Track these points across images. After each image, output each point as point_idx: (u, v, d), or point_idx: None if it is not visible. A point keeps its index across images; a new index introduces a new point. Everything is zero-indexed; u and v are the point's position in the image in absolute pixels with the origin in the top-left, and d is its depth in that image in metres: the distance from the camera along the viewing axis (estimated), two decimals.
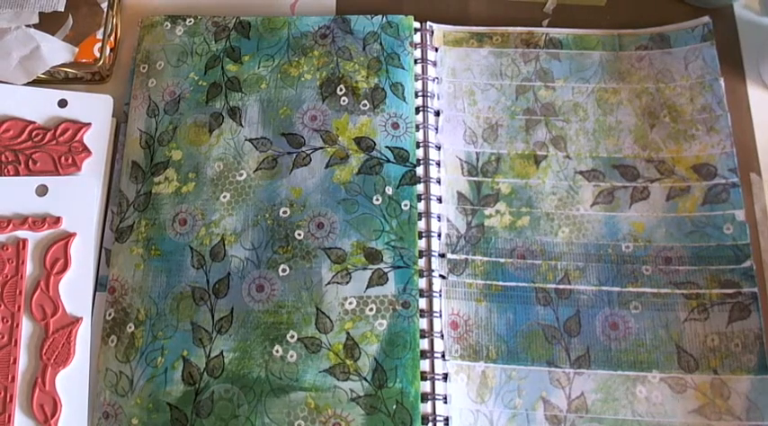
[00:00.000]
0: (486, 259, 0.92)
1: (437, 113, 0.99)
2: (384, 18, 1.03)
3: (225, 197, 0.94)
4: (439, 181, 0.96)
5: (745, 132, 0.99)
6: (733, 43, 1.04)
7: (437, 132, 0.99)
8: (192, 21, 1.04)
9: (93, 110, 1.00)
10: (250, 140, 0.97)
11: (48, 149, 0.97)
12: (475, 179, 0.96)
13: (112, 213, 0.96)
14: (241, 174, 0.95)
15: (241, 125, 0.97)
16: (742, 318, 0.89)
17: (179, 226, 0.93)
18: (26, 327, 0.89)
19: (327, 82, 0.99)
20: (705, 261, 0.91)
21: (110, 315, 0.91)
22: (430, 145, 0.97)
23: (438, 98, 1.01)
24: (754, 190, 0.95)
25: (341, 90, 0.99)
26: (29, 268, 0.92)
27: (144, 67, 1.02)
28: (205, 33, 1.03)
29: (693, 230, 0.92)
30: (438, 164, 0.97)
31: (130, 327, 0.90)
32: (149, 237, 0.93)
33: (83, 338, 0.90)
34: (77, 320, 0.90)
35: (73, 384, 0.88)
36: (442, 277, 0.91)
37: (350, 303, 0.89)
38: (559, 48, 1.03)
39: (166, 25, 1.04)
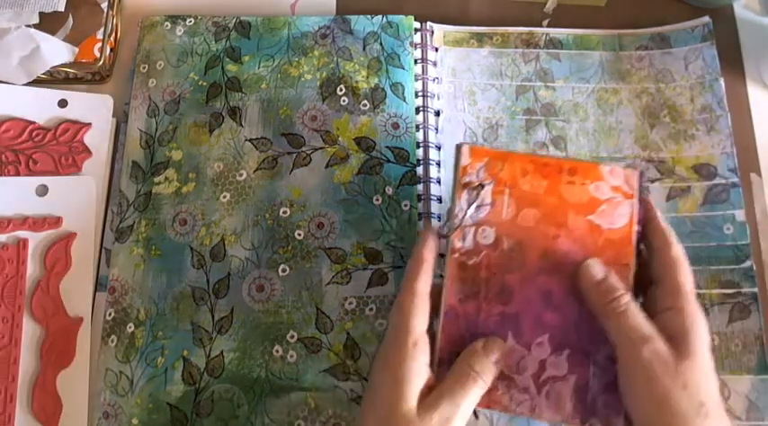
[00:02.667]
0: None
1: (437, 113, 0.99)
2: (384, 18, 1.03)
3: (225, 197, 0.94)
4: (439, 182, 0.96)
5: (745, 132, 0.99)
6: (733, 43, 1.04)
7: (437, 132, 0.98)
8: (193, 21, 1.04)
9: (93, 110, 1.00)
10: (250, 140, 0.97)
11: (48, 149, 0.97)
12: None
13: (112, 213, 0.96)
14: (241, 174, 0.95)
15: (241, 125, 0.98)
16: (742, 318, 0.89)
17: (179, 226, 0.93)
18: (26, 327, 0.89)
19: (327, 82, 0.99)
20: (705, 262, 0.91)
21: (110, 314, 0.91)
22: (430, 145, 0.97)
23: (438, 98, 1.00)
24: (754, 190, 0.95)
25: (341, 90, 0.99)
26: (29, 268, 0.92)
27: (144, 67, 1.02)
28: (205, 33, 1.03)
29: (693, 230, 0.92)
30: (438, 164, 0.97)
31: (130, 327, 0.90)
32: (149, 237, 0.93)
33: (83, 338, 0.90)
34: (77, 320, 0.90)
35: (73, 384, 0.88)
36: (442, 277, 0.90)
37: (350, 303, 0.90)
38: (559, 49, 1.03)
39: (166, 25, 1.04)
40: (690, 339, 0.70)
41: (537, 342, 0.76)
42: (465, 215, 0.78)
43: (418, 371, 0.73)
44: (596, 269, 0.75)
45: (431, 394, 0.72)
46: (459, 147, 0.80)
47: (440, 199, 0.95)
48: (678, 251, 0.75)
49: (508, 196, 0.79)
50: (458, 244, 0.78)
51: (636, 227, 0.78)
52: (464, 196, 0.79)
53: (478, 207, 0.78)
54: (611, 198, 0.78)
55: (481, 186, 0.78)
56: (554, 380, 0.76)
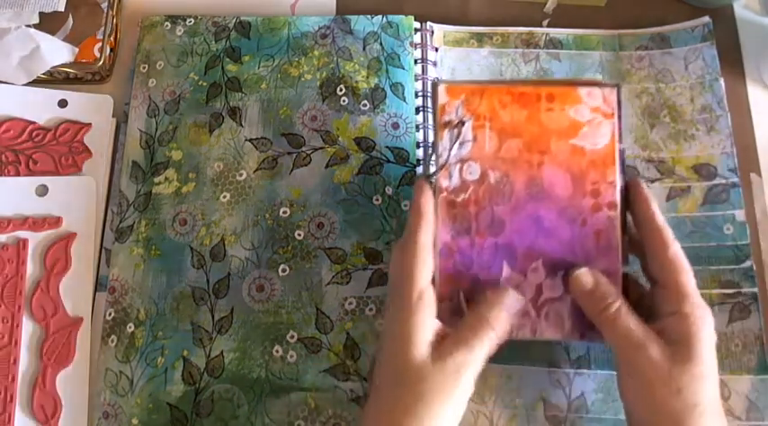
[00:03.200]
0: None
1: None
2: (384, 18, 1.03)
3: (225, 197, 0.94)
4: None
5: (745, 132, 0.98)
6: (733, 43, 1.04)
7: None
8: (193, 21, 1.04)
9: (93, 110, 1.00)
10: (250, 140, 0.97)
11: (48, 149, 0.97)
12: None
13: (112, 213, 0.96)
14: (241, 174, 0.95)
15: (241, 125, 0.98)
16: (742, 318, 0.89)
17: (179, 226, 0.93)
18: (26, 327, 0.90)
19: (327, 82, 0.99)
20: (705, 262, 0.90)
21: (110, 314, 0.91)
22: (430, 145, 0.97)
23: None
24: (754, 190, 0.95)
25: (341, 90, 0.99)
26: (29, 268, 0.92)
27: (144, 67, 1.02)
28: (205, 33, 1.03)
29: (693, 230, 0.92)
30: None
31: (130, 327, 0.90)
32: (149, 237, 0.93)
33: (83, 338, 0.90)
34: (77, 320, 0.90)
35: (73, 384, 0.88)
36: None
37: (350, 303, 0.90)
38: (559, 49, 1.03)
39: (166, 25, 1.04)
40: (692, 344, 0.71)
41: (532, 268, 0.79)
42: (449, 154, 0.79)
43: (426, 322, 0.74)
44: (586, 278, 0.76)
45: (444, 343, 0.73)
46: (434, 86, 0.81)
47: None
48: (676, 250, 0.75)
49: (489, 129, 0.80)
50: (445, 183, 0.79)
51: (618, 145, 0.79)
52: (446, 135, 0.79)
53: (461, 144, 0.79)
54: (591, 119, 0.79)
55: (461, 123, 0.79)
56: (551, 301, 0.78)
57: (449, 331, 0.75)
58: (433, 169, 0.79)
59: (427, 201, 0.77)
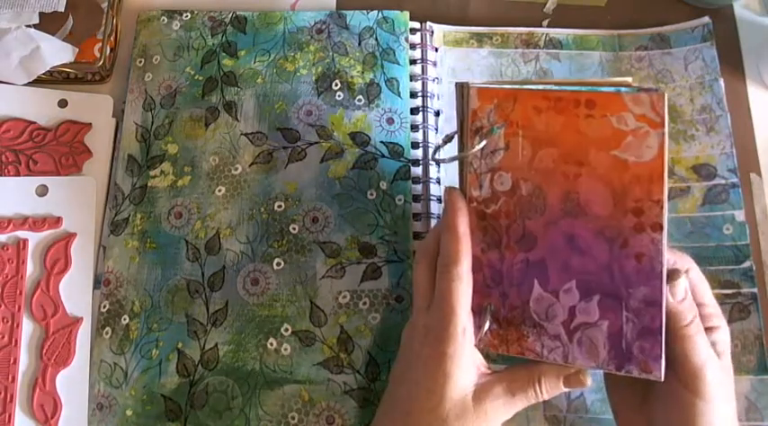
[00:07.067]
0: None
1: (437, 113, 1.00)
2: (380, 13, 1.04)
3: (220, 190, 0.95)
4: (438, 181, 0.96)
5: (746, 132, 0.98)
6: (733, 43, 1.04)
7: (437, 132, 0.99)
8: (189, 15, 1.05)
9: (93, 110, 1.01)
10: (246, 134, 0.97)
11: (48, 149, 0.98)
12: None
13: (109, 207, 0.97)
14: (236, 168, 0.96)
15: (237, 119, 0.98)
16: (741, 319, 0.89)
17: (174, 219, 0.94)
18: (26, 327, 0.90)
19: (323, 77, 1.00)
20: (705, 262, 0.90)
21: (104, 307, 0.91)
22: (430, 145, 0.97)
23: (438, 98, 1.01)
24: (754, 190, 0.95)
25: (336, 85, 0.99)
26: (29, 268, 0.92)
27: (140, 62, 1.03)
28: (201, 28, 1.04)
29: (693, 231, 0.92)
30: (437, 164, 0.97)
31: (125, 319, 0.90)
32: (145, 230, 0.94)
33: (83, 338, 0.90)
34: (77, 320, 0.90)
35: (73, 384, 0.88)
36: None
37: (344, 297, 0.90)
38: (559, 49, 1.03)
39: (163, 20, 1.05)
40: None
41: (564, 289, 0.74)
42: (480, 162, 0.76)
43: (471, 360, 0.74)
44: (682, 287, 0.71)
45: (488, 386, 0.74)
46: (464, 89, 0.77)
47: (440, 199, 0.95)
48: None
49: (522, 138, 0.74)
50: (474, 193, 0.76)
51: (666, 159, 0.70)
52: (476, 142, 0.76)
53: (492, 152, 0.75)
54: (636, 128, 0.71)
55: (492, 130, 0.75)
56: (585, 327, 0.73)
57: (492, 372, 0.76)
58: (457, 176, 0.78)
59: (464, 224, 0.75)
